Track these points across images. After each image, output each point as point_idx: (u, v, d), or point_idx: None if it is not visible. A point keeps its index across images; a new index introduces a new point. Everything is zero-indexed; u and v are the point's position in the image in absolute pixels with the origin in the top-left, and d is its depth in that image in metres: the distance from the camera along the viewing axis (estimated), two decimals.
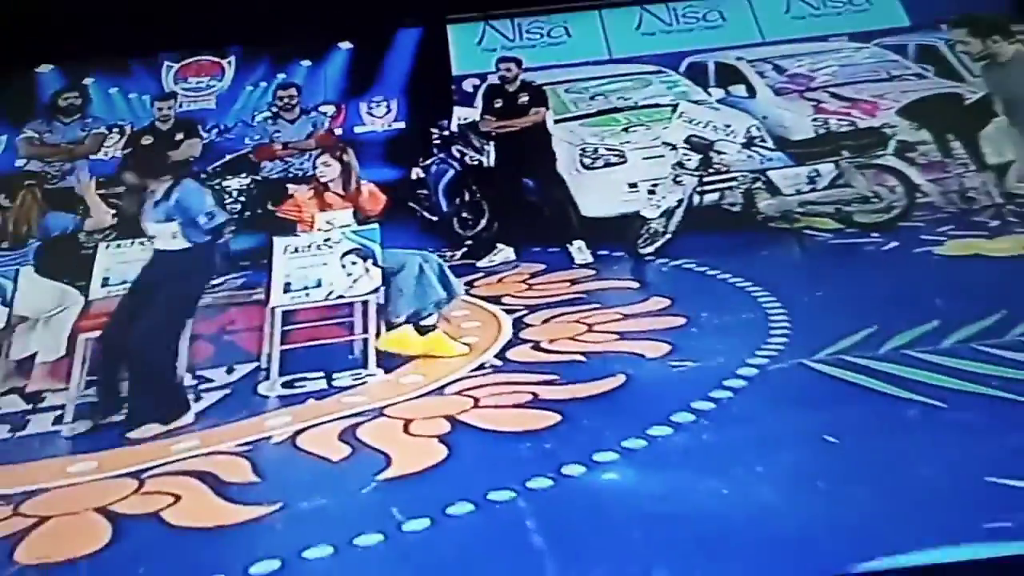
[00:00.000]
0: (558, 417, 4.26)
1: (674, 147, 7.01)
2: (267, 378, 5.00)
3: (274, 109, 8.12)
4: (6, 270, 5.25)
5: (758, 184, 6.76)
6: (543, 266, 6.70)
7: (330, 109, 8.62)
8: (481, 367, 4.98)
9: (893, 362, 4.34)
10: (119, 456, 4.32)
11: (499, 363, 5.06)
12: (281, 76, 8.73)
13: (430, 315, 5.33)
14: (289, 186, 5.94)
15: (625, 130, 7.63)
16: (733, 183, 6.84)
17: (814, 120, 7.73)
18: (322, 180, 5.66)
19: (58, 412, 4.84)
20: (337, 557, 3.41)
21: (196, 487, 3.97)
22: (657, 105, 7.95)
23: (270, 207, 6.72)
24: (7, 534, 3.72)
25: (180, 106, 8.37)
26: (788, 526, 3.31)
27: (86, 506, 3.89)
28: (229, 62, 9.26)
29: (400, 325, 5.30)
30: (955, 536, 3.11)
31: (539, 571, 3.22)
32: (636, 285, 6.00)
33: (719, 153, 6.94)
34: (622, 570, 3.19)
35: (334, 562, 3.39)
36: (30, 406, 4.97)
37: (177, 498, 3.89)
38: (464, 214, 7.35)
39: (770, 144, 7.23)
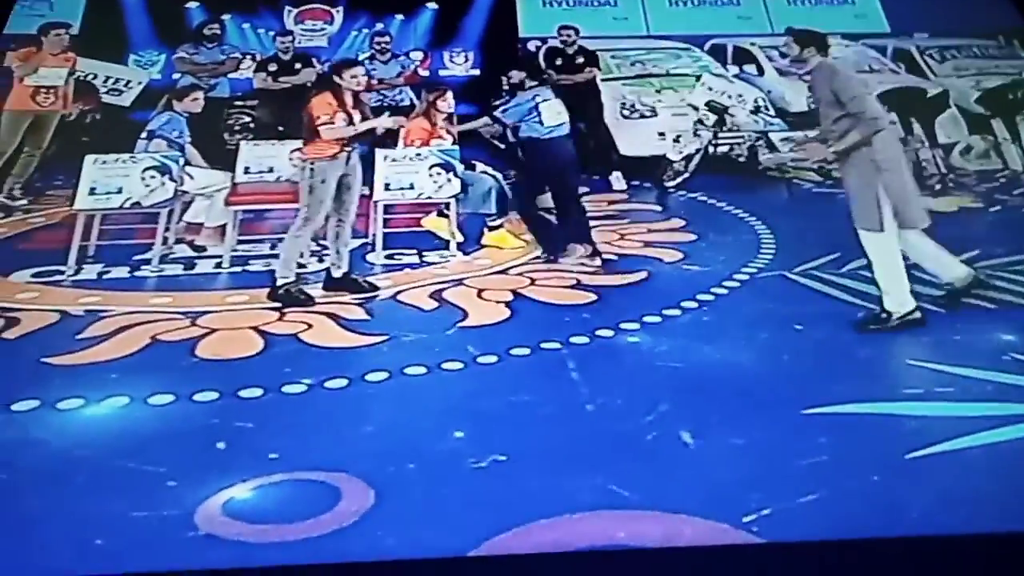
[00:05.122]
0: (595, 296, 4.58)
1: (696, 108, 7.18)
2: (373, 250, 5.31)
3: (372, 51, 8.14)
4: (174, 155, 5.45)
5: (760, 142, 6.96)
6: (587, 189, 6.96)
7: (418, 55, 8.83)
8: (536, 258, 5.26)
9: (850, 278, 4.61)
10: (264, 294, 4.61)
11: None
12: (379, 25, 8.85)
13: (496, 218, 5.65)
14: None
15: (657, 91, 7.78)
16: (740, 140, 7.03)
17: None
18: (441, 111, 5.88)
19: (218, 259, 5.21)
20: (429, 375, 3.76)
21: (323, 320, 4.34)
22: (684, 74, 8.08)
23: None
24: (188, 337, 4.13)
25: (297, 43, 8.55)
26: (758, 380, 3.68)
27: (242, 324, 4.28)
28: (337, 11, 9.41)
29: (499, 227, 5.59)
30: (881, 396, 3.46)
31: (576, 395, 3.59)
32: (659, 209, 6.23)
33: (731, 116, 7.13)
34: (636, 400, 3.54)
35: (427, 379, 3.74)
36: (195, 254, 5.34)
37: (310, 325, 4.26)
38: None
39: (772, 113, 7.42)
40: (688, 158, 6.74)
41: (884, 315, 4.13)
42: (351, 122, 4.61)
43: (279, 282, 4.57)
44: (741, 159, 7.01)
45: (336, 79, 4.64)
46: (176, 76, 7.79)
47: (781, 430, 3.26)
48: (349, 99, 4.65)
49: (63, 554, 2.66)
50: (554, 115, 5.31)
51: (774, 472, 3.01)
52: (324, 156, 4.56)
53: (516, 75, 5.54)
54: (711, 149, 6.87)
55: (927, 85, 8.03)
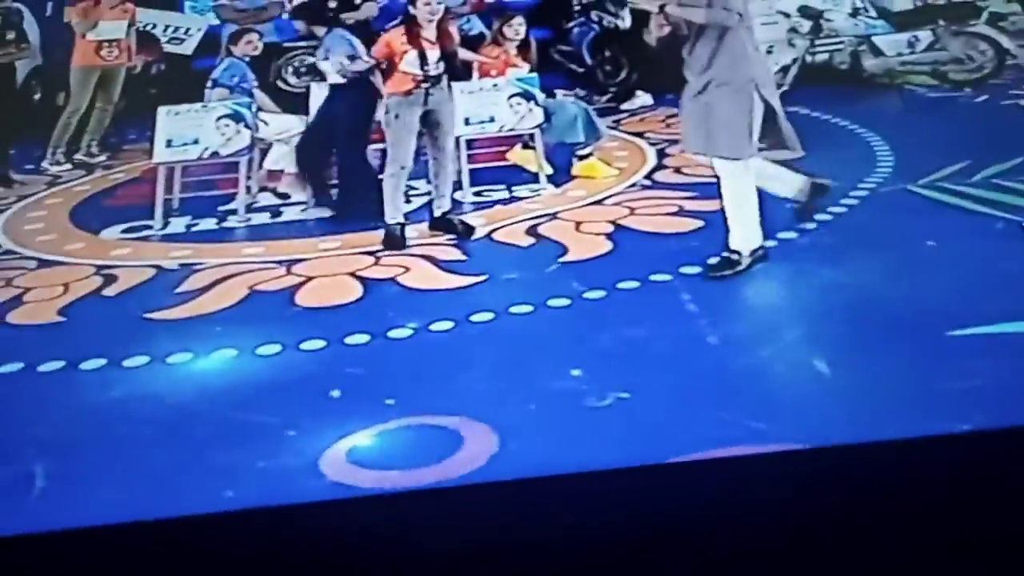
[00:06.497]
0: (701, 223, 4.44)
1: (787, 15, 6.86)
2: (460, 188, 5.20)
3: None
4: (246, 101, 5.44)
5: (863, 47, 6.63)
6: (678, 109, 6.72)
7: None
8: (633, 185, 5.17)
9: (983, 188, 4.40)
10: (355, 238, 4.66)
11: (648, 183, 5.25)
12: None
13: (585, 146, 5.52)
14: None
15: None
16: (840, 46, 6.71)
17: None
18: (509, 38, 5.72)
19: (303, 206, 5.24)
20: (536, 314, 3.69)
21: (420, 263, 4.32)
22: None
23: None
24: (286, 286, 4.17)
25: None
26: (893, 302, 3.50)
27: (338, 271, 4.29)
28: None
29: (588, 156, 5.47)
30: None
31: (694, 328, 3.49)
32: None
33: (827, 21, 6.79)
34: (761, 329, 3.45)
35: (533, 317, 3.68)
36: (280, 201, 5.38)
37: (407, 269, 4.25)
38: (607, 67, 7.38)
39: (873, 14, 7.03)
40: (784, 69, 6.50)
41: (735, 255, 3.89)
42: (424, 58, 4.48)
43: (388, 223, 4.56)
44: (843, 66, 6.71)
45: (411, 9, 4.51)
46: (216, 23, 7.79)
47: (926, 355, 3.11)
48: (429, 32, 4.51)
49: (194, 503, 2.72)
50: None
51: (923, 399, 2.87)
52: (399, 92, 4.48)
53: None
54: (808, 58, 6.60)
55: None
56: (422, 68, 4.46)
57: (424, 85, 4.49)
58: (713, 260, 3.92)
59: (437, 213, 4.71)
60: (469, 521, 2.52)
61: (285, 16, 8.19)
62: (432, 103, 4.54)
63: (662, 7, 3.80)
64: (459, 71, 5.39)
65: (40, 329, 3.92)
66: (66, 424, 3.17)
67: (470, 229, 4.68)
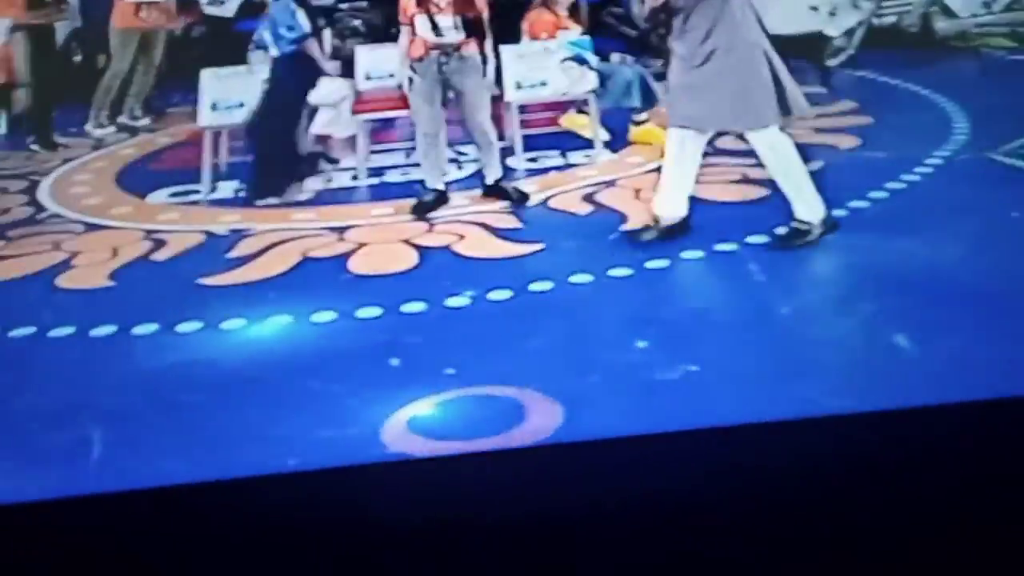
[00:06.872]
0: (766, 191, 4.27)
1: None
2: (512, 154, 5.15)
3: None
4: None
5: (934, 8, 6.40)
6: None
7: None
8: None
9: None
10: (408, 205, 4.57)
11: (709, 149, 5.04)
12: None
13: (642, 111, 5.42)
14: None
15: None
16: (909, 7, 6.48)
17: None
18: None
19: (353, 172, 5.21)
20: (597, 283, 3.62)
21: (475, 230, 4.25)
22: None
23: None
24: (339, 252, 4.13)
25: None
26: (976, 274, 3.38)
27: (392, 238, 4.25)
28: None
29: (645, 122, 5.38)
30: None
31: (764, 299, 3.40)
32: (824, 90, 5.82)
33: None
34: (834, 301, 3.38)
35: (595, 286, 3.60)
36: (331, 166, 5.31)
37: (462, 236, 4.19)
38: (660, 30, 7.20)
39: None
40: (849, 32, 6.26)
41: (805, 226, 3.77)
42: (434, 25, 4.35)
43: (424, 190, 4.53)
44: (912, 29, 6.48)
45: None
46: None
47: (1010, 329, 2.97)
48: None
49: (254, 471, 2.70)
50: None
51: (1007, 371, 2.76)
52: (414, 58, 4.40)
53: None
54: (875, 20, 6.37)
55: None
56: (434, 34, 4.36)
57: (434, 52, 4.37)
58: (782, 230, 3.82)
59: (489, 180, 4.64)
60: (533, 487, 2.48)
61: None
62: (448, 72, 4.40)
63: None
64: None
65: (90, 293, 3.92)
66: (120, 389, 3.15)
67: (524, 196, 4.60)
